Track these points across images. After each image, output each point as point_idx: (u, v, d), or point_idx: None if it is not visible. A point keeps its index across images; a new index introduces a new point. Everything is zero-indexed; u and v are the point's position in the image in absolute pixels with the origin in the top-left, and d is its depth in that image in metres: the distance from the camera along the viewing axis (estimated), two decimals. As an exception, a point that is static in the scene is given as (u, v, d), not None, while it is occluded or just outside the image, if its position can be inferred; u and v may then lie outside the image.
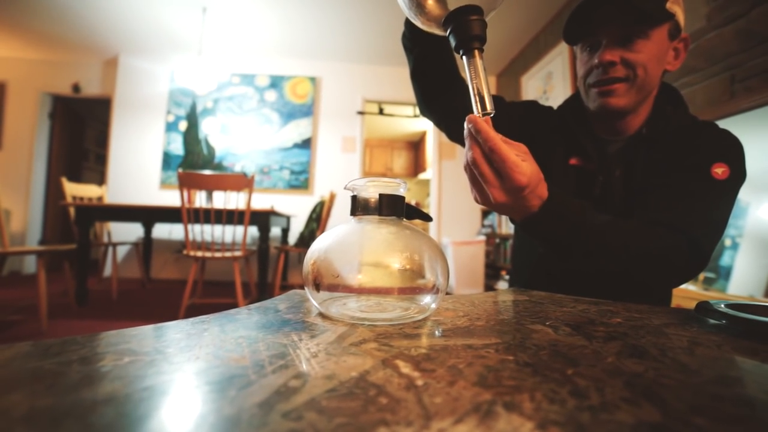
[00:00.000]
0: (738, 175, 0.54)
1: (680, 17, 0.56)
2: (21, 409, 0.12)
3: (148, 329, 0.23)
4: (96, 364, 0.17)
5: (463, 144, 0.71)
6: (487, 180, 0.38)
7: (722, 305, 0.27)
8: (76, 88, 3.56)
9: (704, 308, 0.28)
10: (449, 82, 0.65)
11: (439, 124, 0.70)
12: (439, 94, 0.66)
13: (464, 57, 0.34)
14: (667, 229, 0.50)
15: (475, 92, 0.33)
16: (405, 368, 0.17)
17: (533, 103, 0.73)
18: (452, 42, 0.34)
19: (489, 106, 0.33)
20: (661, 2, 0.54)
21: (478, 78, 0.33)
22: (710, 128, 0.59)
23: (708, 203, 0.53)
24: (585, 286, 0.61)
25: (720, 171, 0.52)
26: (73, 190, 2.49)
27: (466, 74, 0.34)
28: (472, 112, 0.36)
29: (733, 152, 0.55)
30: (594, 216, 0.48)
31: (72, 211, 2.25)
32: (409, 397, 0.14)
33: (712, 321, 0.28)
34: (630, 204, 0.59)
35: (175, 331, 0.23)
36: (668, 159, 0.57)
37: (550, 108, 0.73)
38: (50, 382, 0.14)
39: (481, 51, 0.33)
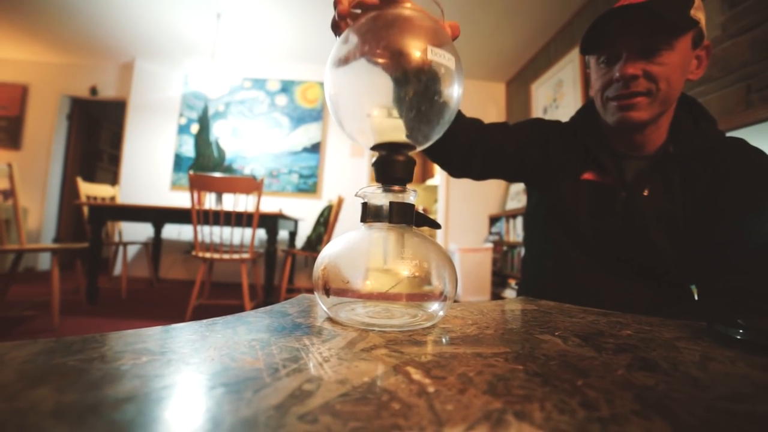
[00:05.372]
0: None
1: (703, 24, 0.53)
2: (49, 404, 0.13)
3: (163, 330, 0.23)
4: (116, 362, 0.17)
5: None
6: None
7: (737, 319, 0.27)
8: (93, 90, 3.66)
9: (717, 322, 0.27)
10: (467, 149, 0.63)
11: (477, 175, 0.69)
12: (464, 161, 0.65)
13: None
14: None
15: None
16: (416, 375, 0.17)
17: (538, 121, 0.71)
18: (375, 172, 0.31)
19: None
20: (686, 10, 0.51)
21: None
22: (746, 148, 0.56)
23: None
24: (594, 302, 0.60)
25: None
26: (88, 189, 2.54)
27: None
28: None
29: None
30: None
31: (86, 210, 2.30)
32: (420, 403, 0.14)
33: (725, 335, 0.27)
34: (672, 232, 0.55)
35: (190, 332, 0.23)
36: (722, 189, 0.53)
37: (557, 122, 0.70)
38: (74, 379, 0.15)
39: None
